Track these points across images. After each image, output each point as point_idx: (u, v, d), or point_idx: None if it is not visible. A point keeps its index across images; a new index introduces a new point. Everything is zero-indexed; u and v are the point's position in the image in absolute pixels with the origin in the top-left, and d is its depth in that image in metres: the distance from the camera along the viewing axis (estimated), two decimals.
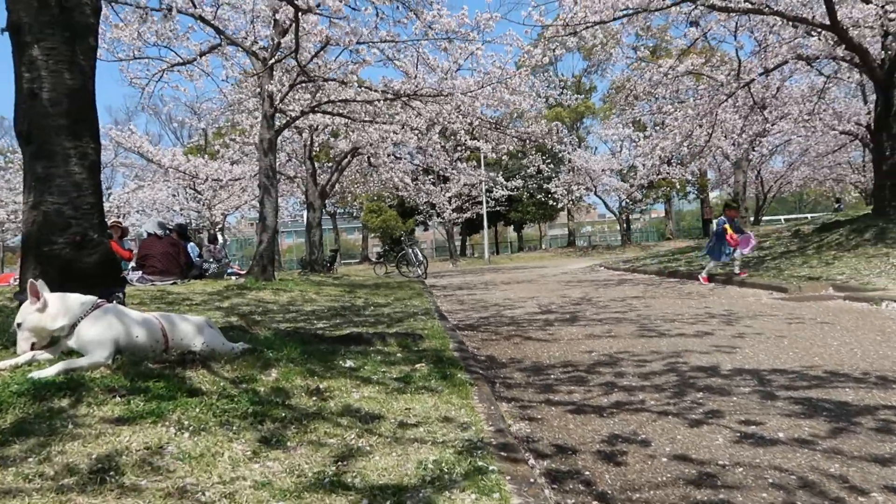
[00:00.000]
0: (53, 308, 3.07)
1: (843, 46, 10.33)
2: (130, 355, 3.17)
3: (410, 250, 18.62)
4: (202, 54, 12.26)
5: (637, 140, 20.14)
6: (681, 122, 16.30)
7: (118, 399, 2.68)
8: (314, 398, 3.02)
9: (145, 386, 2.84)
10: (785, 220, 41.06)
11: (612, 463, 2.65)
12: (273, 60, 10.58)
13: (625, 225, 37.37)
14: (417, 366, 3.93)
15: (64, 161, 3.64)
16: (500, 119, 15.69)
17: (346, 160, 18.56)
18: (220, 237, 14.94)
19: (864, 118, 18.75)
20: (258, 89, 15.00)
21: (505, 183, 24.21)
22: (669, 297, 8.72)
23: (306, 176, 18.06)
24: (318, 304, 8.29)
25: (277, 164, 18.10)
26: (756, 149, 20.96)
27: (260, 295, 9.09)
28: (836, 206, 35.10)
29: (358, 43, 10.64)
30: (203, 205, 20.45)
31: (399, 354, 4.33)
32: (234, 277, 12.21)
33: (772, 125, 19.38)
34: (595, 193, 33.81)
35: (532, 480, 2.22)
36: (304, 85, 12.45)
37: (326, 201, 21.01)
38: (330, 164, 22.21)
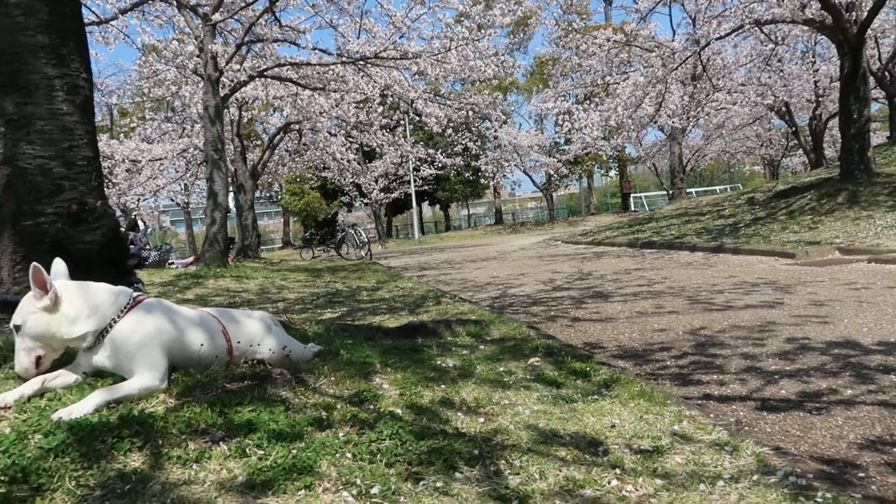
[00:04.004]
0: (71, 304, 1.99)
1: (819, 7, 10.14)
2: (193, 372, 2.15)
3: (353, 231, 17.49)
4: (123, 12, 10.63)
5: (576, 113, 19.71)
6: (630, 92, 15.97)
7: (222, 447, 1.69)
8: (480, 418, 2.12)
9: (244, 420, 1.86)
10: (695, 192, 42.51)
11: None
12: (222, 18, 9.20)
13: (549, 201, 37.45)
14: (531, 361, 3.09)
15: (47, 96, 2.51)
16: (442, 90, 14.77)
17: (277, 137, 17.12)
18: (140, 223, 13.29)
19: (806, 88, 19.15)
20: (180, 57, 13.40)
21: (443, 159, 23.34)
22: (675, 268, 8.22)
23: (235, 155, 16.50)
24: (296, 292, 7.22)
25: (200, 143, 16.47)
26: (694, 120, 21.10)
27: (221, 283, 7.91)
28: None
29: None
30: (115, 189, 18.39)
31: (483, 347, 3.47)
32: (175, 266, 10.80)
33: (706, 96, 19.51)
34: (523, 170, 33.52)
35: None
36: (242, 50, 11.05)
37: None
38: (258, 143, 20.60)
